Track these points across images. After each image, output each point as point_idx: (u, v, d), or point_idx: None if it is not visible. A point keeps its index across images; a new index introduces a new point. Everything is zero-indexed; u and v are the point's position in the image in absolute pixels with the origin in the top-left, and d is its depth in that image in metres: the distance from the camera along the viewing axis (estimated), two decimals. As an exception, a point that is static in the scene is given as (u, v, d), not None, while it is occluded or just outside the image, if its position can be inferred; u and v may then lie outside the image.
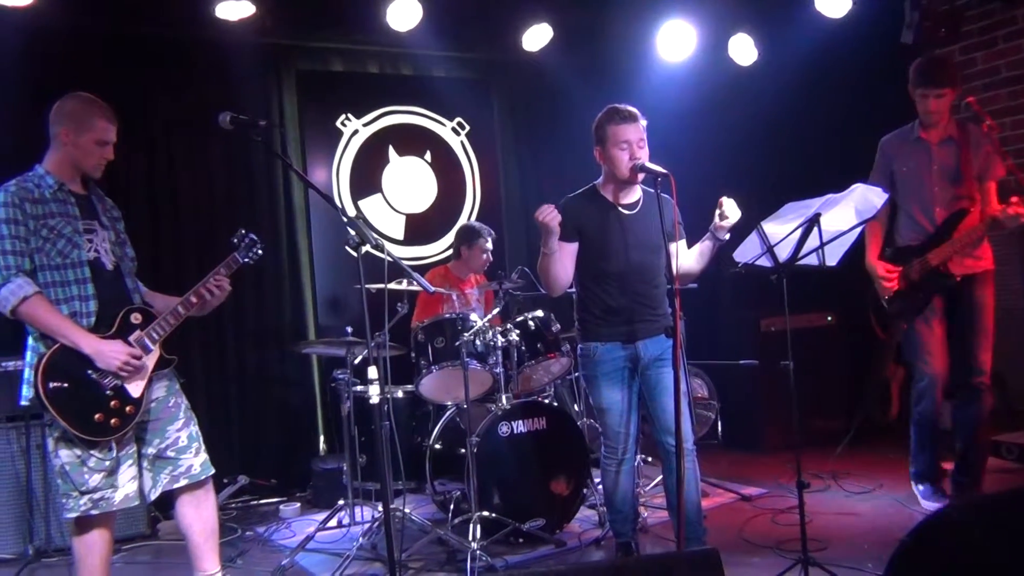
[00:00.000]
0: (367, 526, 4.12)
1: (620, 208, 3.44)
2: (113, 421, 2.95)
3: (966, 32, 5.47)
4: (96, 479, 2.96)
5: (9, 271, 2.87)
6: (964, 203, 3.89)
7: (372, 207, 5.96)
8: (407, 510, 4.06)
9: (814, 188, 3.13)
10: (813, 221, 2.88)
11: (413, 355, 4.26)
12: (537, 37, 5.79)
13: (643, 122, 3.39)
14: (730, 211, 3.21)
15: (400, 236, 6.03)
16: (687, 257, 3.46)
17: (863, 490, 4.55)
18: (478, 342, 4.09)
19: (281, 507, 5.04)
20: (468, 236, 5.17)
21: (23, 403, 2.99)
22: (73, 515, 2.98)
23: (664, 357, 3.40)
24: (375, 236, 2.80)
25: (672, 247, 3.36)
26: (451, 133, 6.28)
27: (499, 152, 6.47)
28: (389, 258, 2.93)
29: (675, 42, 5.89)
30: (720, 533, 3.94)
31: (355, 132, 5.93)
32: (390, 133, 6.05)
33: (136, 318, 3.06)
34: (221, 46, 5.22)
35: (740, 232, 3.23)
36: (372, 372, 2.71)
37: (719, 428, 5.73)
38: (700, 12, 5.81)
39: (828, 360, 5.75)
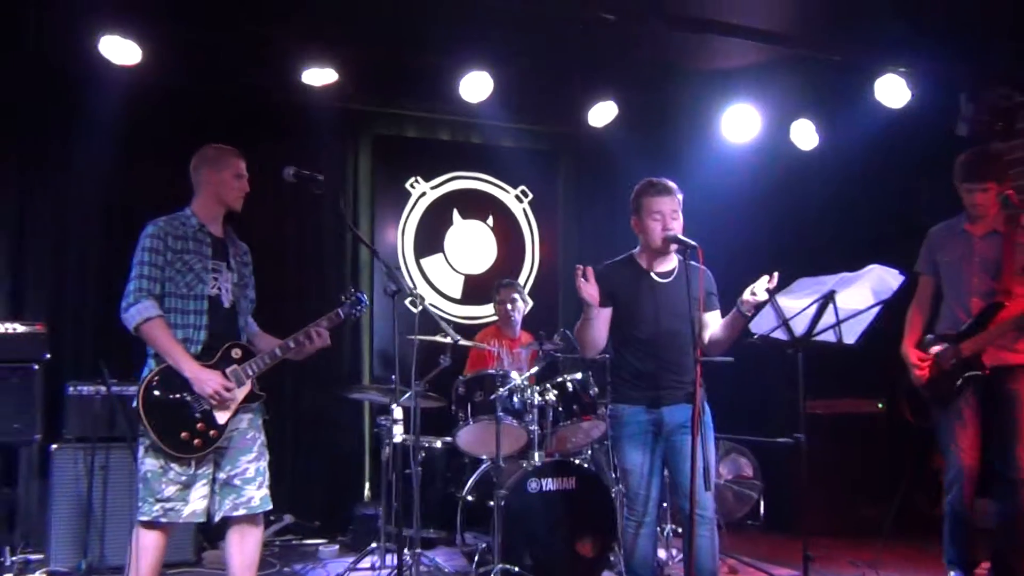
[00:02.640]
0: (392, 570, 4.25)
1: (654, 276, 3.57)
2: (196, 441, 3.25)
3: (1026, 128, 5.49)
4: (171, 490, 3.25)
5: (141, 293, 3.27)
6: (1001, 296, 3.89)
7: (433, 266, 6.23)
8: (436, 558, 4.16)
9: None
10: (828, 298, 2.97)
11: (453, 407, 4.42)
12: (603, 114, 6.00)
13: (679, 196, 3.54)
14: (759, 290, 3.25)
15: (458, 295, 6.27)
16: (717, 328, 3.56)
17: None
18: (516, 399, 4.24)
19: (321, 548, 5.21)
20: (495, 289, 5.39)
21: None
22: (145, 518, 3.26)
23: (689, 424, 3.47)
24: (411, 287, 3.02)
25: (705, 316, 3.49)
26: (514, 200, 6.54)
27: (560, 221, 6.70)
28: (420, 309, 3.12)
29: (739, 125, 6.05)
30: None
31: (423, 194, 6.24)
32: (456, 197, 6.36)
33: (236, 353, 3.38)
34: (305, 109, 5.62)
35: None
36: (397, 412, 2.88)
37: (761, 509, 5.69)
38: (764, 97, 5.97)
39: (876, 447, 5.68)
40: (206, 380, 3.24)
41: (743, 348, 4.00)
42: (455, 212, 6.35)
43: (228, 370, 3.33)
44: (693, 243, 3.31)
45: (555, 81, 5.90)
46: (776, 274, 3.23)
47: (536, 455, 4.20)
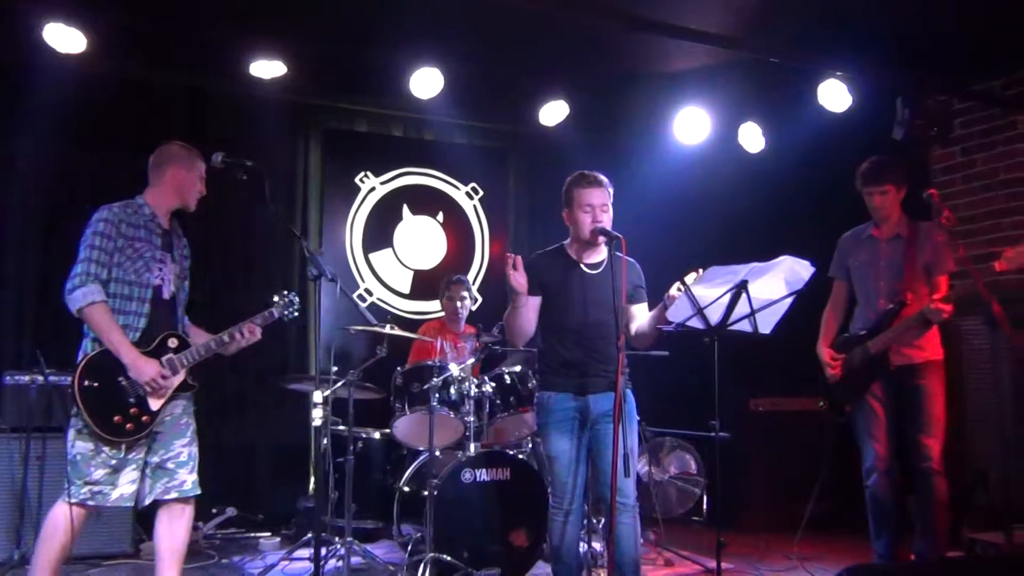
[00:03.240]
0: (327, 560, 4.26)
1: (583, 267, 3.62)
2: (128, 426, 3.30)
3: (968, 135, 5.62)
4: (99, 473, 3.29)
5: (88, 277, 3.31)
6: (905, 296, 4.05)
7: (383, 261, 6.25)
8: (374, 549, 4.17)
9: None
10: (741, 287, 3.03)
11: (392, 398, 4.44)
12: (554, 112, 6.05)
13: (610, 189, 3.59)
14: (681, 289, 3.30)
15: (407, 290, 6.30)
16: (644, 320, 3.61)
17: (828, 573, 4.53)
18: (452, 390, 4.27)
19: (262, 541, 5.20)
20: (444, 285, 5.42)
21: None
22: (72, 500, 3.28)
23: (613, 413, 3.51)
24: (331, 271, 3.08)
25: (632, 308, 3.56)
26: (465, 197, 6.58)
27: (511, 218, 6.75)
28: (351, 297, 3.15)
29: (690, 127, 6.13)
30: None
31: (372, 189, 6.26)
32: (406, 192, 6.39)
33: (172, 343, 3.45)
34: (254, 101, 5.61)
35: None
36: (316, 397, 2.90)
37: (704, 505, 5.74)
38: (713, 100, 6.05)
39: (814, 445, 5.75)
40: (143, 368, 3.31)
41: (685, 342, 4.08)
42: (405, 207, 6.37)
43: (164, 359, 3.39)
44: (618, 235, 3.37)
45: (506, 79, 5.93)
46: (701, 270, 3.29)
47: (471, 446, 4.23)
